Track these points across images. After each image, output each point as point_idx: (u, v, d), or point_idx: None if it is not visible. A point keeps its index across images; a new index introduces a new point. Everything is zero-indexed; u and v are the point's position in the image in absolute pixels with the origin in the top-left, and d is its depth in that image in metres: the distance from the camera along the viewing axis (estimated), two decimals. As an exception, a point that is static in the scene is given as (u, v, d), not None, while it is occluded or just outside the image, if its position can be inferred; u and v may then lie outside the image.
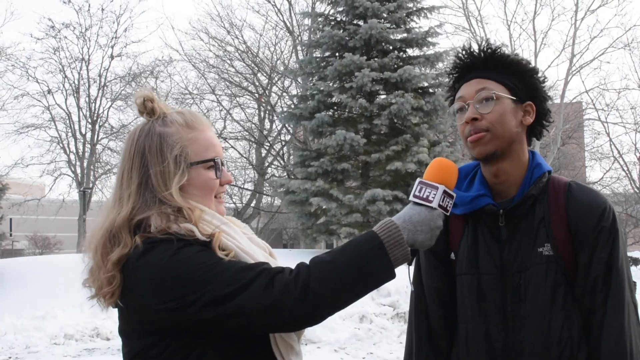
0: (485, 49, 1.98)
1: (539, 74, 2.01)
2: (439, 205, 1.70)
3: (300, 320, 1.60)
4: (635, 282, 2.01)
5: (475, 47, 2.00)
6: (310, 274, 1.58)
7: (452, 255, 2.04)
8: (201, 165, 1.75)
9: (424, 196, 1.70)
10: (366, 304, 10.57)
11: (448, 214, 1.74)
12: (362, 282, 1.60)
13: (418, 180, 1.75)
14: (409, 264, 1.73)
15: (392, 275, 1.63)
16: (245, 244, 1.72)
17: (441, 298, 2.06)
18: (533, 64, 2.01)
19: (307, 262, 1.64)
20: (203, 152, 1.76)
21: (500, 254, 1.95)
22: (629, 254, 24.51)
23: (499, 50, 1.98)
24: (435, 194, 1.70)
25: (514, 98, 1.94)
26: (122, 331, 1.75)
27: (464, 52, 2.01)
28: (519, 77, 1.96)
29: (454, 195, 1.76)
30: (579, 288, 1.88)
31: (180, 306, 1.56)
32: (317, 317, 1.61)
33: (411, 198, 1.72)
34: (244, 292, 1.56)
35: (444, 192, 1.71)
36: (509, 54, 1.99)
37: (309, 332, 9.40)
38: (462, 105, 1.96)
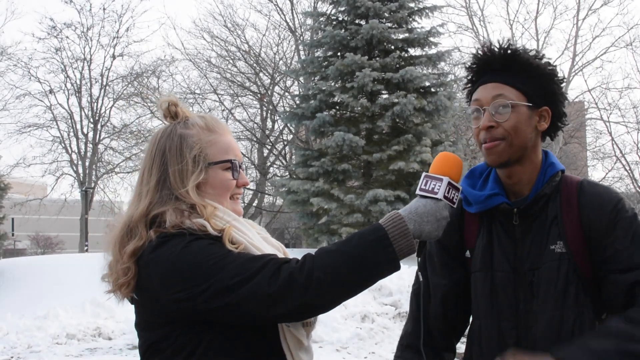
0: (505, 50, 1.95)
1: (558, 76, 1.98)
2: (445, 197, 1.73)
3: (305, 308, 1.62)
4: None
5: (495, 47, 1.96)
6: (315, 263, 1.61)
7: (468, 254, 2.06)
8: (219, 166, 1.81)
9: (429, 188, 1.73)
10: (368, 303, 10.57)
11: (454, 205, 1.75)
12: (366, 273, 1.62)
13: (424, 174, 1.77)
14: (418, 256, 1.75)
15: (396, 267, 1.64)
16: (256, 239, 1.76)
17: (445, 294, 2.08)
18: (552, 65, 1.98)
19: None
20: (222, 153, 1.82)
21: (514, 251, 1.97)
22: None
23: (519, 51, 1.95)
24: (440, 186, 1.72)
25: (530, 104, 1.93)
26: (137, 325, 1.79)
27: (483, 51, 1.98)
28: (537, 82, 1.94)
29: (460, 188, 1.78)
30: (610, 281, 1.86)
31: (189, 296, 1.61)
32: (321, 305, 1.63)
33: (417, 192, 1.75)
34: (251, 281, 1.59)
35: (449, 184, 1.74)
36: (529, 56, 1.95)
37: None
38: (478, 109, 1.96)
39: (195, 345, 1.67)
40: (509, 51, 1.95)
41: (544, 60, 1.97)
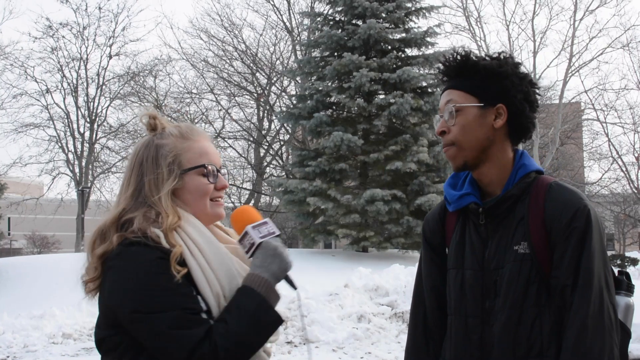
0: (452, 59, 2.02)
1: (515, 72, 2.00)
2: (263, 237, 1.85)
3: None
4: (633, 285, 2.03)
5: (448, 56, 2.03)
6: (218, 346, 1.69)
7: (447, 250, 2.13)
8: (194, 172, 1.87)
9: (248, 243, 1.86)
10: (364, 303, 10.57)
11: (276, 234, 1.88)
12: (260, 338, 1.77)
13: (238, 239, 1.89)
14: (295, 289, 1.90)
15: (280, 321, 1.80)
16: (214, 261, 1.80)
17: (436, 289, 2.15)
18: (507, 63, 2.00)
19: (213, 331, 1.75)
20: (196, 159, 1.88)
21: (482, 251, 2.02)
22: (628, 254, 24.51)
23: (468, 56, 2.01)
24: (251, 236, 1.85)
25: (481, 104, 1.98)
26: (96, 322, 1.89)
27: (440, 62, 2.06)
28: (486, 81, 1.99)
29: (266, 221, 1.90)
30: (552, 285, 1.91)
31: (124, 314, 1.72)
32: None
33: (245, 252, 1.87)
34: (170, 344, 1.68)
35: (252, 227, 1.86)
36: (478, 58, 2.01)
37: (308, 332, 9.39)
38: (438, 117, 2.06)
39: (138, 351, 1.74)
40: (458, 57, 2.01)
41: (500, 58, 2.01)
